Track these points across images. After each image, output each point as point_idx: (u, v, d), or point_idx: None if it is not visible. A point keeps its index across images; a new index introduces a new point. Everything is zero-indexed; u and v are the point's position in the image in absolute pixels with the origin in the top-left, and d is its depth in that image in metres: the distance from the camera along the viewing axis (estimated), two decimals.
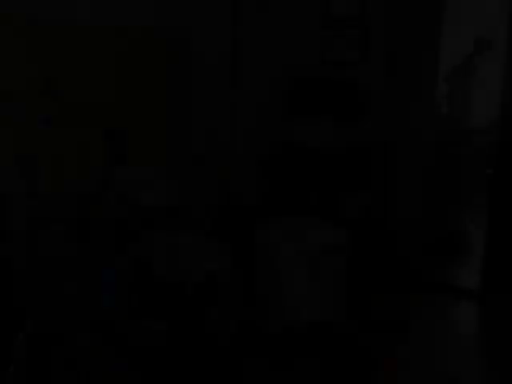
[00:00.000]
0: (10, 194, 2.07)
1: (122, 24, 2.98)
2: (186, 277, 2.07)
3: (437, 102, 3.85)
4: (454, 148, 4.96)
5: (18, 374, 2.21)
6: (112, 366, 2.31)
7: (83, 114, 2.31)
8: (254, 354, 2.63)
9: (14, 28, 2.53)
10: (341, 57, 4.03)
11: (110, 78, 2.92)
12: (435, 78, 3.68)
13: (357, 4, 3.88)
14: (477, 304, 3.56)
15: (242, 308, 2.64)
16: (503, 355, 2.93)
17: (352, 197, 3.77)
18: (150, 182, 2.71)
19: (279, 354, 1.91)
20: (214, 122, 3.43)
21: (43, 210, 2.09)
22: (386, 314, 3.24)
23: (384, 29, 3.83)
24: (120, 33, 2.97)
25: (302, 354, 1.87)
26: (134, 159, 2.53)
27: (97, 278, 2.53)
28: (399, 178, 3.95)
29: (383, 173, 4.03)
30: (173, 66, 3.28)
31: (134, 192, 2.43)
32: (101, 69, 2.88)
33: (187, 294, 2.04)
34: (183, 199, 2.65)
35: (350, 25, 3.95)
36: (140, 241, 2.26)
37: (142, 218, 2.43)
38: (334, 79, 3.95)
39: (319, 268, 2.54)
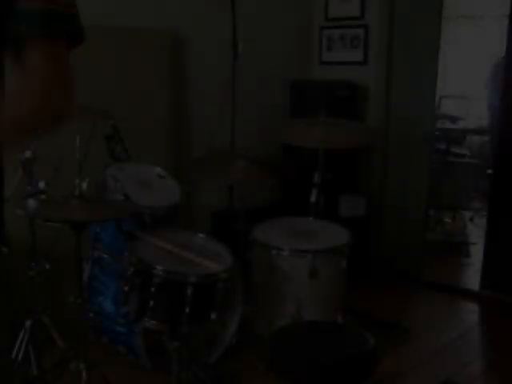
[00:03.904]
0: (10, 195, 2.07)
1: (122, 24, 2.98)
2: (186, 277, 2.06)
3: (437, 103, 3.85)
4: (453, 148, 4.96)
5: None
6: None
7: (84, 114, 2.31)
8: (254, 354, 2.63)
9: None
10: (340, 57, 4.03)
11: (111, 78, 2.92)
12: (434, 79, 3.68)
13: (357, 4, 3.88)
14: (477, 304, 3.56)
15: (242, 308, 2.63)
16: (503, 355, 2.93)
17: (352, 197, 3.77)
18: (150, 182, 2.70)
19: (278, 354, 1.91)
20: (214, 123, 3.43)
21: (44, 211, 2.09)
22: (385, 313, 3.24)
23: (384, 29, 3.82)
24: (121, 33, 2.97)
25: (302, 354, 1.87)
26: (134, 159, 2.53)
27: (97, 279, 2.52)
28: (398, 178, 3.95)
29: (382, 173, 4.02)
30: (174, 66, 3.28)
31: (134, 192, 2.42)
32: (102, 69, 2.88)
33: (187, 294, 2.03)
34: (184, 199, 2.65)
35: (349, 25, 3.95)
36: (140, 241, 2.25)
37: (142, 217, 2.42)
38: (333, 80, 3.95)
39: (320, 268, 2.53)
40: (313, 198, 2.85)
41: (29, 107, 0.97)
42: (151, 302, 2.05)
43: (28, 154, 2.09)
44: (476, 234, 4.49)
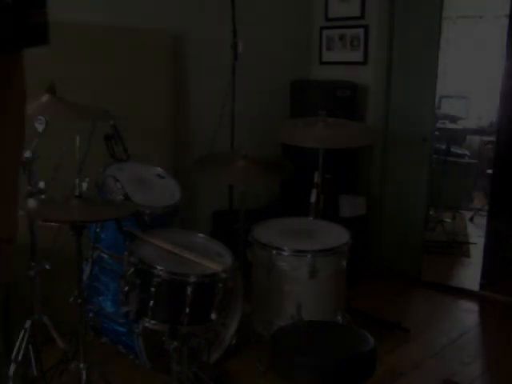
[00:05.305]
0: None
1: (122, 24, 2.98)
2: (186, 277, 2.06)
3: (437, 103, 3.85)
4: (453, 148, 4.96)
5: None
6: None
7: (84, 113, 2.31)
8: (254, 354, 2.63)
9: None
10: (340, 57, 4.03)
11: (111, 78, 2.92)
12: (434, 79, 3.68)
13: (357, 4, 3.87)
14: (477, 304, 3.57)
15: (242, 308, 2.63)
16: (503, 355, 2.93)
17: (352, 197, 3.77)
18: (150, 182, 2.70)
19: (278, 354, 1.91)
20: (214, 123, 3.43)
21: (44, 211, 2.08)
22: (385, 313, 3.24)
23: (384, 29, 3.82)
24: (120, 32, 2.97)
25: (302, 354, 1.87)
26: (134, 159, 2.53)
27: (97, 279, 2.52)
28: (398, 178, 3.95)
29: (382, 173, 4.02)
30: (174, 66, 3.28)
31: (134, 192, 2.42)
32: (102, 69, 2.88)
33: (187, 294, 2.03)
34: (184, 199, 2.64)
35: (349, 25, 3.95)
36: (140, 241, 2.25)
37: (142, 217, 2.42)
38: (333, 80, 3.95)
39: (320, 268, 2.53)
40: (313, 198, 2.85)
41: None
42: (151, 302, 2.05)
43: (28, 153, 2.09)
44: (476, 234, 4.49)
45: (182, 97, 3.43)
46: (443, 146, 4.81)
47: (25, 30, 0.94)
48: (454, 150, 4.97)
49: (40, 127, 2.08)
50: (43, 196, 2.12)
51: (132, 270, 2.07)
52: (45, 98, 2.15)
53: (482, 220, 4.10)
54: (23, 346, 2.21)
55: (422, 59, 3.69)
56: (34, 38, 0.97)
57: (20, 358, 2.20)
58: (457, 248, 4.43)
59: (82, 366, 2.14)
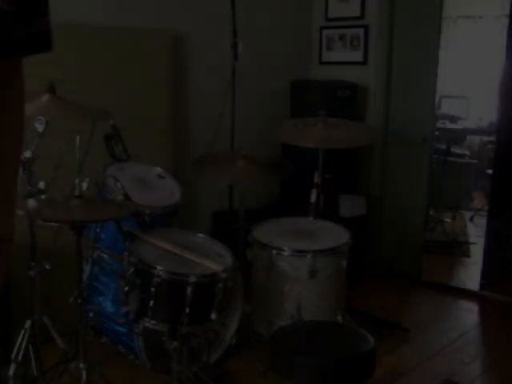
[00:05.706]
0: None
1: (122, 23, 2.98)
2: (186, 277, 2.06)
3: (437, 103, 3.85)
4: (453, 148, 4.96)
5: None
6: None
7: (84, 113, 2.31)
8: (254, 354, 2.63)
9: None
10: (340, 57, 4.03)
11: (111, 78, 2.92)
12: (434, 79, 3.67)
13: (357, 4, 3.87)
14: (477, 304, 3.57)
15: (242, 308, 2.63)
16: (503, 355, 2.93)
17: (352, 197, 3.77)
18: (150, 182, 2.70)
19: (278, 354, 1.92)
20: (214, 123, 3.43)
21: (44, 211, 2.08)
22: (385, 313, 3.24)
23: (384, 29, 3.82)
24: (120, 32, 2.97)
25: (302, 353, 1.87)
26: (134, 159, 2.53)
27: (97, 279, 2.52)
28: (398, 178, 3.95)
29: (382, 173, 4.02)
30: (174, 66, 3.28)
31: (134, 192, 2.42)
32: (102, 69, 2.88)
33: (187, 294, 2.03)
34: (184, 199, 2.65)
35: (349, 25, 3.95)
36: (140, 241, 2.25)
37: (142, 217, 2.42)
38: (333, 80, 3.95)
39: (320, 268, 2.53)
40: (313, 198, 2.85)
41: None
42: (151, 302, 2.05)
43: (28, 154, 2.09)
44: (476, 233, 4.49)
45: (182, 97, 3.43)
46: (443, 146, 4.81)
47: (26, 38, 0.94)
48: (454, 149, 4.97)
49: (40, 127, 2.08)
50: (43, 196, 2.12)
51: (132, 270, 2.06)
52: (45, 97, 2.15)
53: (482, 220, 4.10)
54: (23, 346, 2.21)
55: (422, 59, 3.69)
56: (36, 46, 0.98)
57: (20, 358, 2.20)
58: (457, 248, 4.43)
59: (81, 365, 2.14)
